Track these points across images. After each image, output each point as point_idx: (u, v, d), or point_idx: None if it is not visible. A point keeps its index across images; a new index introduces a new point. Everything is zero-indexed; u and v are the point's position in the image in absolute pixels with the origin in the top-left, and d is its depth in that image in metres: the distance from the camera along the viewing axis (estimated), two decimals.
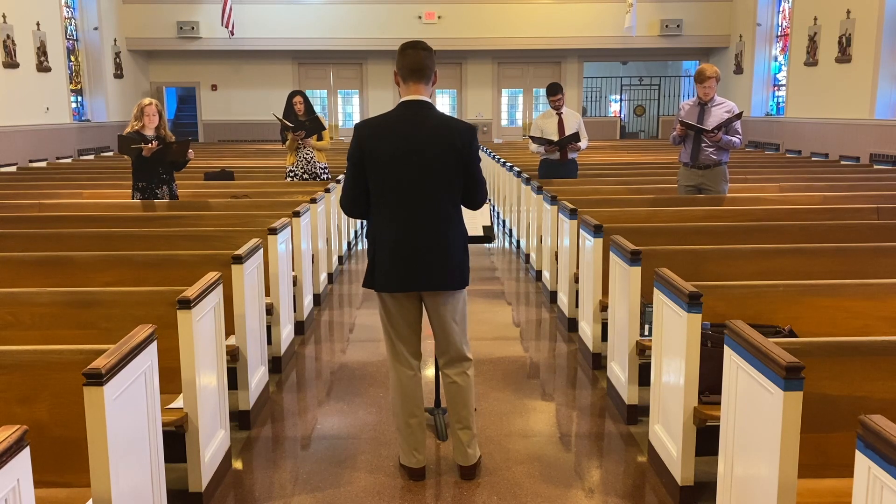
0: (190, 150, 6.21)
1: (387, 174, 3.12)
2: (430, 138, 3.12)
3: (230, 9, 16.24)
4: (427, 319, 3.32)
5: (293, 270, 5.24)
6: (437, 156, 3.11)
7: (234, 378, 3.80)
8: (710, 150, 6.08)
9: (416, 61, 3.14)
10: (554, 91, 7.38)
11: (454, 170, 3.15)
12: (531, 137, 7.56)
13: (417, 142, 3.11)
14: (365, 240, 3.60)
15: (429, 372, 4.45)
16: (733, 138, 6.00)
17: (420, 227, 3.14)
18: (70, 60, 14.82)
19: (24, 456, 1.86)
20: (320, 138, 7.51)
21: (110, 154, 13.98)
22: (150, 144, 5.87)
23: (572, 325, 5.44)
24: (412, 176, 3.11)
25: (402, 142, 3.10)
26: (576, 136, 7.32)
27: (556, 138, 7.35)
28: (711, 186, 6.20)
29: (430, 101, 3.20)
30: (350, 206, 3.26)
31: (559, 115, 7.41)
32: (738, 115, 5.97)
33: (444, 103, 18.63)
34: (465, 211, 3.34)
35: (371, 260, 3.22)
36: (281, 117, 7.34)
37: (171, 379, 3.04)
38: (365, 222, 3.31)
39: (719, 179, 6.20)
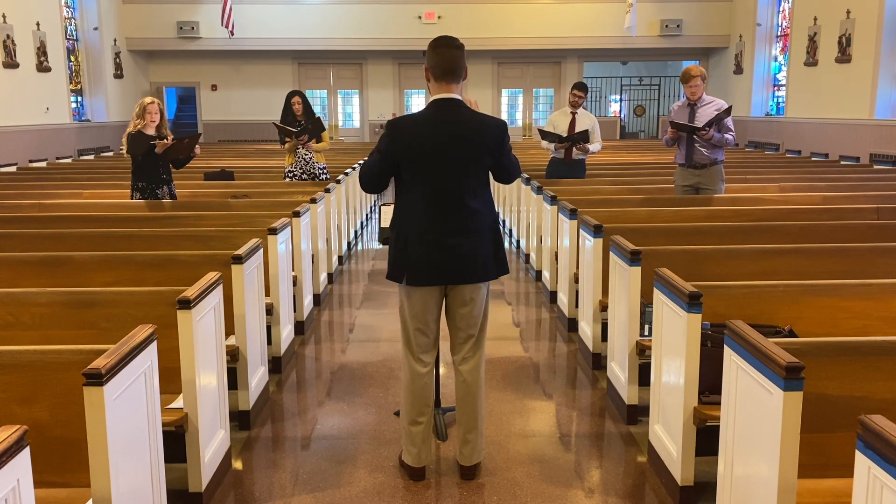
0: (197, 146, 6.24)
1: (419, 171, 3.14)
2: (463, 138, 3.14)
3: (230, 9, 16.24)
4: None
5: (293, 270, 5.24)
6: (470, 155, 3.15)
7: (234, 378, 3.80)
8: (704, 149, 6.08)
9: (449, 61, 3.16)
10: (580, 87, 7.38)
11: (485, 168, 3.22)
12: (541, 131, 7.50)
13: (450, 141, 3.12)
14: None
15: None
16: (726, 135, 6.01)
17: (451, 222, 3.15)
18: (70, 60, 14.82)
19: (24, 456, 1.85)
20: (319, 139, 7.51)
21: (110, 154, 13.97)
22: (164, 140, 5.91)
23: (572, 325, 5.44)
24: (444, 174, 3.13)
25: (435, 141, 3.12)
26: (585, 136, 7.26)
27: (565, 136, 7.33)
28: (708, 186, 6.21)
29: (461, 99, 3.22)
30: (369, 184, 3.29)
31: (573, 113, 7.39)
32: (727, 111, 5.97)
33: None
34: None
35: (399, 253, 3.19)
36: (281, 124, 7.33)
37: (171, 379, 3.04)
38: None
39: (716, 179, 6.21)
